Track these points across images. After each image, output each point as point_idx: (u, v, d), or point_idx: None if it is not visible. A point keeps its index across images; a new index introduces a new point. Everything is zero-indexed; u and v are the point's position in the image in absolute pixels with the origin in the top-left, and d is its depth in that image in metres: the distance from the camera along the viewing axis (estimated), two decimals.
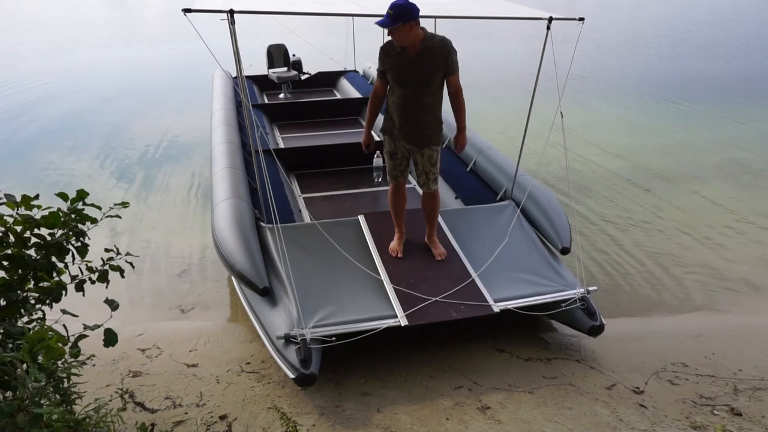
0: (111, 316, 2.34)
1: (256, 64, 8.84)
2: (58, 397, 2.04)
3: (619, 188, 6.52)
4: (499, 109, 9.99)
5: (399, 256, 3.69)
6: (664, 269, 4.82)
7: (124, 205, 2.46)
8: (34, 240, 2.32)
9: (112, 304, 2.34)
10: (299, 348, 2.92)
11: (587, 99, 10.68)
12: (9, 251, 2.24)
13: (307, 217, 4.61)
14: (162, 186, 6.57)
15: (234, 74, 7.15)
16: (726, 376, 3.31)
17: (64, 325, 2.20)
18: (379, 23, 3.12)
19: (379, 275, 3.50)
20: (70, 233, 2.36)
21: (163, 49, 16.38)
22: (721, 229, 5.53)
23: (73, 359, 2.09)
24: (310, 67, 9.09)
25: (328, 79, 9.12)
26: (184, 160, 7.40)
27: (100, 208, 2.46)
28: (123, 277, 2.49)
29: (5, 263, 2.24)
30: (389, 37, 3.26)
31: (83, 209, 2.40)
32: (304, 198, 5.01)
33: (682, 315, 4.25)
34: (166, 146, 7.97)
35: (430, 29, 3.43)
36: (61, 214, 2.34)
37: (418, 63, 3.25)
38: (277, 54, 8.60)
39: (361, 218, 4.02)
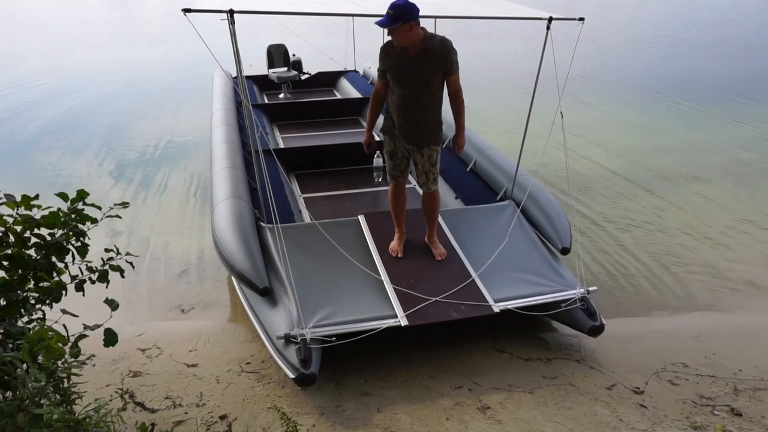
0: (111, 316, 2.33)
1: (256, 64, 8.84)
2: (58, 397, 2.04)
3: (620, 188, 6.52)
4: (499, 109, 9.99)
5: (399, 256, 3.69)
6: (665, 269, 4.82)
7: (125, 205, 2.46)
8: (34, 240, 2.32)
9: (112, 304, 2.34)
10: (299, 348, 2.92)
11: (587, 99, 10.68)
12: (9, 251, 2.24)
13: (307, 217, 4.61)
14: (162, 186, 6.57)
15: (234, 74, 7.15)
16: (726, 376, 3.31)
17: (64, 325, 2.20)
18: (379, 23, 3.12)
19: (379, 275, 3.50)
20: (70, 233, 2.36)
21: (163, 49, 16.38)
22: (722, 229, 5.53)
23: (73, 359, 2.08)
24: (310, 67, 9.09)
25: (328, 79, 9.12)
26: (183, 160, 7.40)
27: (100, 208, 2.46)
28: (123, 277, 2.49)
29: (5, 263, 2.24)
30: (389, 37, 3.26)
31: (83, 209, 2.40)
32: (304, 198, 5.01)
33: (682, 315, 4.25)
34: (165, 146, 7.97)
35: (430, 29, 3.43)
36: (61, 214, 2.34)
37: (418, 63, 3.25)
38: (277, 54, 8.60)
39: (361, 218, 4.02)
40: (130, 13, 28.10)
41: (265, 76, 8.68)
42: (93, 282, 2.40)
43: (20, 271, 2.27)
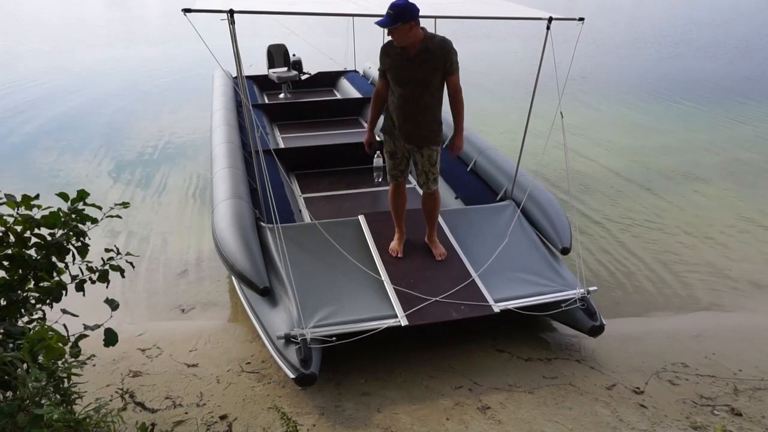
0: (111, 316, 2.34)
1: (256, 64, 8.84)
2: (58, 397, 2.04)
3: (620, 187, 6.53)
4: (499, 109, 9.99)
5: (399, 256, 3.69)
6: (665, 269, 4.82)
7: (125, 205, 2.46)
8: (34, 240, 2.32)
9: (113, 304, 2.34)
10: (299, 348, 2.92)
11: (588, 99, 10.68)
12: (9, 251, 2.25)
13: (307, 217, 4.61)
14: (162, 186, 6.57)
15: (234, 74, 7.15)
16: (726, 376, 3.31)
17: (64, 325, 2.20)
18: (379, 23, 3.12)
19: (380, 275, 3.50)
20: (71, 233, 2.36)
21: (163, 49, 16.38)
22: (722, 228, 5.53)
23: (73, 359, 2.09)
24: (311, 67, 9.09)
25: (328, 79, 9.12)
26: (183, 160, 7.41)
27: (100, 208, 2.46)
28: (123, 276, 2.49)
29: (6, 263, 2.24)
30: (389, 37, 3.26)
31: (84, 209, 2.40)
32: (304, 198, 5.01)
33: (682, 315, 4.25)
34: (165, 146, 7.97)
35: (430, 29, 3.43)
36: (61, 214, 2.34)
37: (418, 63, 3.25)
38: (277, 54, 8.60)
39: (362, 218, 4.02)
40: (130, 13, 28.10)
41: (266, 76, 8.68)
42: (93, 282, 2.41)
43: (20, 271, 2.28)
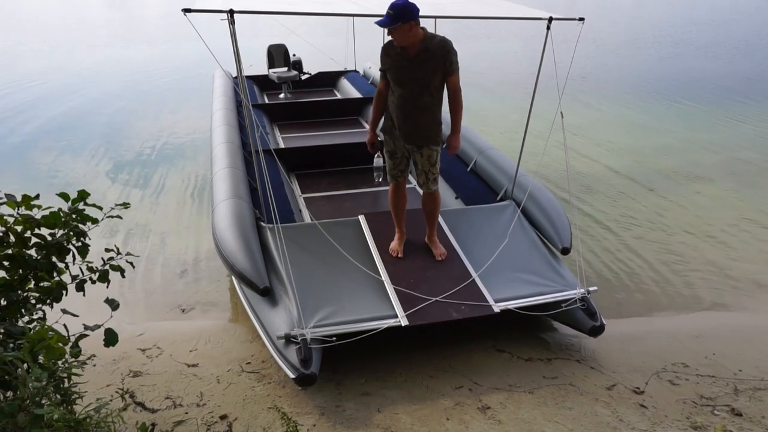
0: (111, 316, 2.34)
1: (257, 64, 8.84)
2: (58, 397, 2.04)
3: (620, 187, 6.53)
4: (499, 109, 9.99)
5: (399, 256, 3.69)
6: (665, 269, 4.82)
7: (125, 205, 2.46)
8: (34, 240, 2.32)
9: (113, 304, 2.34)
10: (299, 348, 2.92)
11: (588, 99, 10.68)
12: (9, 251, 2.25)
13: (307, 217, 4.61)
14: (161, 186, 6.57)
15: (234, 74, 7.15)
16: (726, 376, 3.31)
17: (64, 325, 2.20)
18: (379, 23, 3.12)
19: (380, 275, 3.50)
20: (71, 233, 2.36)
21: (163, 49, 16.38)
22: (723, 227, 5.53)
23: (73, 359, 2.09)
24: (311, 67, 9.09)
25: (328, 79, 9.12)
26: (183, 160, 7.41)
27: (101, 208, 2.46)
28: (123, 276, 2.49)
29: (6, 263, 2.24)
30: (389, 37, 3.26)
31: (84, 209, 2.40)
32: (304, 198, 5.01)
33: (682, 315, 4.25)
34: (165, 146, 7.97)
35: (430, 29, 3.43)
36: (61, 214, 2.34)
37: (418, 63, 3.25)
38: (277, 54, 8.60)
39: (362, 218, 4.02)
40: (130, 13, 28.10)
41: (266, 76, 8.68)
42: (93, 282, 2.41)
43: (21, 271, 2.28)
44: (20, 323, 2.24)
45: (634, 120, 9.38)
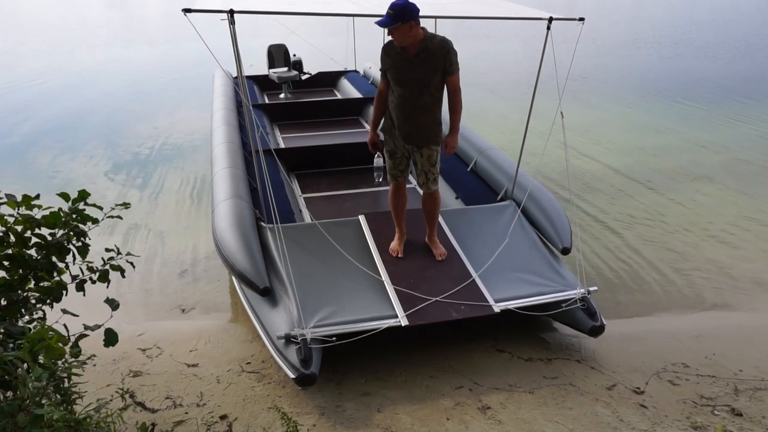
0: (111, 316, 2.33)
1: (257, 64, 8.84)
2: (58, 397, 2.03)
3: (621, 187, 6.53)
4: (500, 109, 9.99)
5: (399, 256, 3.69)
6: (666, 268, 4.82)
7: (126, 205, 2.46)
8: (34, 240, 2.32)
9: (113, 304, 2.33)
10: (299, 348, 2.92)
11: (588, 99, 10.68)
12: (10, 251, 2.24)
13: (307, 217, 4.61)
14: (161, 186, 6.57)
15: (234, 74, 7.15)
16: (726, 376, 3.31)
17: (64, 325, 2.20)
18: (379, 23, 3.12)
19: (380, 275, 3.50)
20: (71, 233, 2.36)
21: (163, 49, 16.38)
22: (723, 227, 5.54)
23: (73, 359, 2.08)
24: (311, 67, 9.09)
25: (328, 79, 9.12)
26: (184, 160, 7.41)
27: (101, 208, 2.46)
28: (124, 276, 2.49)
29: (6, 263, 2.24)
30: (390, 37, 3.26)
31: (84, 209, 2.40)
32: (304, 198, 5.01)
33: (682, 315, 4.25)
34: (165, 146, 7.98)
35: (430, 29, 3.43)
36: (62, 214, 2.34)
37: (417, 63, 3.25)
38: (277, 54, 8.60)
39: (362, 218, 4.02)
40: (130, 13, 28.10)
41: (266, 76, 8.68)
42: (94, 282, 2.41)
43: (21, 270, 2.27)
44: (20, 323, 2.23)
45: (634, 120, 9.38)
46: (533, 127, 4.26)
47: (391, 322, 3.14)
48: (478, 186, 4.79)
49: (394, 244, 3.75)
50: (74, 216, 2.36)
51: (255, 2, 3.60)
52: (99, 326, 2.24)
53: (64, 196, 2.38)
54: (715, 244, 5.23)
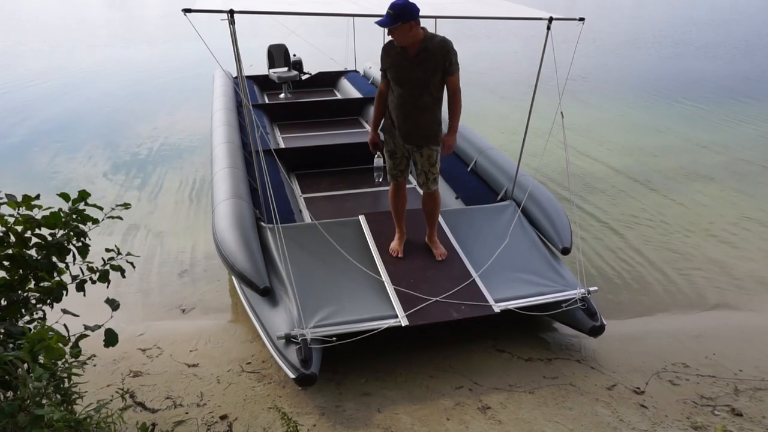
0: (112, 316, 2.33)
1: (257, 64, 8.84)
2: (59, 397, 2.03)
3: (622, 187, 6.53)
4: (500, 109, 10.00)
5: (399, 256, 3.69)
6: (666, 268, 4.82)
7: (126, 206, 2.46)
8: (35, 240, 2.32)
9: (113, 304, 2.33)
10: (300, 348, 2.92)
11: (588, 99, 10.68)
12: (10, 251, 2.24)
13: (307, 217, 4.61)
14: (161, 186, 6.57)
15: (234, 74, 7.15)
16: (727, 376, 3.31)
17: (65, 325, 2.20)
18: (379, 23, 3.13)
19: (380, 275, 3.50)
20: (71, 233, 2.36)
21: (163, 49, 16.38)
22: (725, 226, 5.54)
23: (73, 359, 2.08)
24: (311, 67, 9.10)
25: (328, 79, 9.12)
26: (183, 160, 7.41)
27: (101, 208, 2.46)
28: (124, 277, 2.49)
29: (6, 263, 2.24)
30: (390, 37, 3.26)
31: (84, 210, 2.40)
32: (304, 198, 5.01)
33: (682, 315, 4.25)
34: (165, 146, 7.98)
35: (431, 29, 3.43)
36: (62, 215, 2.34)
37: (417, 63, 3.25)
38: (277, 54, 8.60)
39: (362, 218, 4.02)
40: (130, 13, 28.10)
41: (266, 76, 8.68)
42: (94, 282, 2.41)
43: (21, 271, 2.27)
44: (20, 323, 2.24)
45: (634, 119, 9.38)
46: (533, 127, 4.26)
47: (391, 322, 3.14)
48: (478, 186, 4.79)
49: (394, 244, 3.75)
50: (74, 216, 2.36)
51: (255, 2, 3.60)
52: (99, 326, 2.24)
53: (65, 196, 2.38)
54: (716, 243, 5.23)
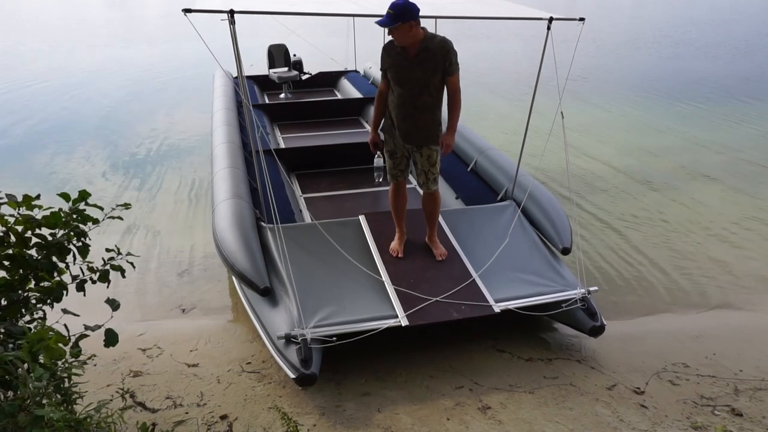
0: (112, 316, 2.34)
1: (257, 64, 8.85)
2: (59, 397, 2.04)
3: (623, 186, 6.53)
4: (500, 109, 10.00)
5: (399, 256, 3.69)
6: (666, 268, 4.81)
7: (126, 206, 2.46)
8: (35, 240, 2.32)
9: (113, 304, 2.34)
10: (300, 348, 2.92)
11: (589, 98, 10.68)
12: (10, 251, 2.25)
13: (307, 217, 4.61)
14: (161, 186, 6.57)
15: (234, 74, 7.15)
16: (727, 376, 3.31)
17: (65, 325, 2.20)
18: (379, 23, 3.13)
19: (380, 275, 3.50)
20: (72, 233, 2.36)
21: (163, 49, 16.38)
22: (726, 225, 5.54)
23: (73, 359, 2.09)
24: (311, 67, 9.10)
25: (328, 79, 9.12)
26: (183, 160, 7.41)
27: (101, 208, 2.46)
28: (124, 277, 2.49)
29: (6, 263, 2.24)
30: (390, 37, 3.26)
31: (85, 210, 2.40)
32: (304, 198, 5.01)
33: (683, 315, 4.25)
34: (165, 146, 7.98)
35: (431, 29, 3.43)
36: (62, 215, 2.34)
37: (417, 63, 3.25)
38: (277, 54, 8.60)
39: (362, 218, 4.02)
40: (130, 13, 28.10)
41: (266, 76, 8.68)
42: (94, 282, 2.41)
43: (21, 270, 2.28)
44: (21, 323, 2.24)
45: (635, 119, 9.38)
46: (534, 127, 4.26)
47: (391, 322, 3.14)
48: (479, 186, 4.79)
49: (395, 244, 3.75)
50: (75, 216, 2.36)
51: (255, 2, 3.60)
52: (99, 326, 2.24)
53: (65, 196, 2.38)
54: (716, 242, 5.23)
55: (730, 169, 7.08)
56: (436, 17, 3.54)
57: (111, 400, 2.83)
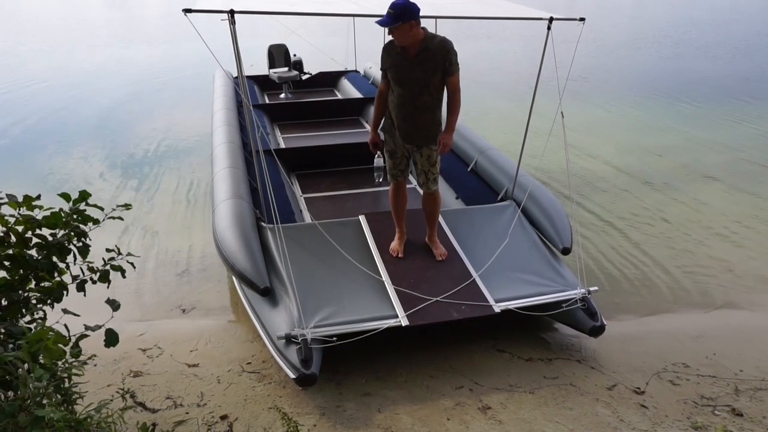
0: (112, 317, 2.34)
1: (257, 64, 8.84)
2: (59, 397, 2.04)
3: (623, 185, 6.53)
4: (500, 109, 10.00)
5: (400, 256, 3.69)
6: (666, 269, 4.81)
7: (127, 206, 2.46)
8: (35, 240, 2.32)
9: (114, 304, 2.34)
10: (300, 348, 2.92)
11: (589, 98, 10.68)
12: (10, 251, 2.25)
13: (307, 217, 4.61)
14: (161, 186, 6.57)
15: (235, 74, 7.15)
16: (727, 376, 3.31)
17: (65, 325, 2.20)
18: (380, 22, 3.13)
19: (380, 275, 3.50)
20: (72, 233, 2.36)
21: (163, 49, 16.38)
22: (726, 224, 5.54)
23: (74, 359, 2.08)
24: (311, 67, 9.09)
25: (329, 79, 9.12)
26: (183, 160, 7.40)
27: (102, 208, 2.46)
28: (124, 277, 2.49)
29: (7, 263, 2.24)
30: (390, 37, 3.26)
31: (85, 210, 2.40)
32: (305, 198, 5.01)
33: (683, 315, 4.24)
34: (165, 146, 7.97)
35: (431, 29, 3.43)
36: (62, 215, 2.34)
37: (417, 63, 3.25)
38: (278, 54, 8.60)
39: (362, 218, 4.02)
40: (130, 13, 28.10)
41: (266, 76, 8.68)
42: (94, 282, 2.41)
43: (22, 271, 2.28)
44: (21, 323, 2.24)
45: (635, 119, 9.38)
46: (534, 127, 4.26)
47: (391, 323, 3.14)
48: (479, 186, 4.79)
49: (395, 244, 3.75)
50: (75, 216, 2.36)
51: (255, 2, 3.60)
52: (100, 326, 2.24)
53: (65, 196, 2.38)
54: (717, 242, 5.23)
55: (731, 168, 7.08)
56: (436, 17, 3.54)
57: (111, 400, 2.83)
